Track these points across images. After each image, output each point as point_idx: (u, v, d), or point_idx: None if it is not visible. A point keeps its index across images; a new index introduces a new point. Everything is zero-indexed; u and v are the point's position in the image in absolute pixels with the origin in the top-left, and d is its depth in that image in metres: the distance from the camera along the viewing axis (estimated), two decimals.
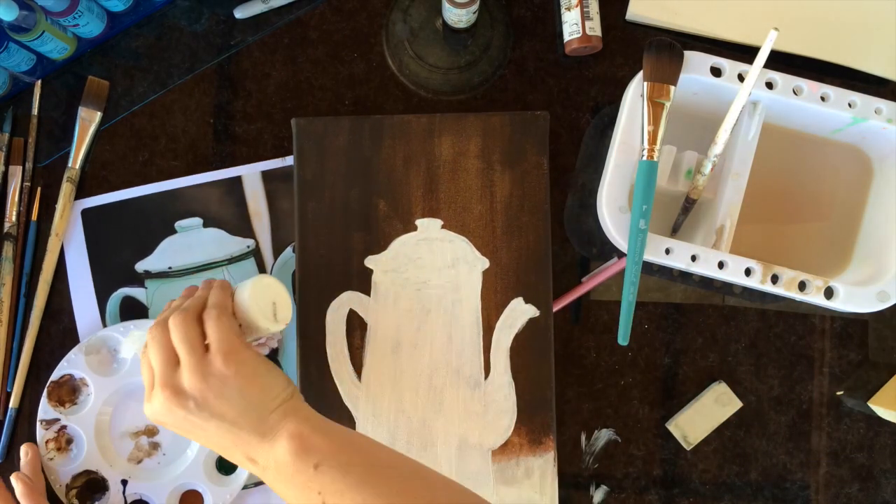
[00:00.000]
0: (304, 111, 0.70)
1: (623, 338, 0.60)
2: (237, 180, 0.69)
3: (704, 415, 0.68)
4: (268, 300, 0.56)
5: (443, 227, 0.67)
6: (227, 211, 0.69)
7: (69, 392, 0.66)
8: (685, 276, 0.69)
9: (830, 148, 0.68)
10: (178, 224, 0.69)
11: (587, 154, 0.70)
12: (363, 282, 0.66)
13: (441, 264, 0.66)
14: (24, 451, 0.64)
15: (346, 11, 0.71)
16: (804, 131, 0.66)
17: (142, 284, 0.69)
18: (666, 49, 0.61)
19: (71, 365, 0.66)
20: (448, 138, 0.67)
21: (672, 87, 0.61)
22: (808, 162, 0.69)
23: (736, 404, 0.68)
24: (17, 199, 0.68)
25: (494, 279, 0.66)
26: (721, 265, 0.61)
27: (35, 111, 0.69)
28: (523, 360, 0.66)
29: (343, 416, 0.65)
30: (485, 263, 0.66)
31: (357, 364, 0.66)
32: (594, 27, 0.68)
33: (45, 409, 0.65)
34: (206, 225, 0.69)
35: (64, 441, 0.66)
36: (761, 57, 0.57)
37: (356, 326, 0.66)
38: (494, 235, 0.67)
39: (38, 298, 0.67)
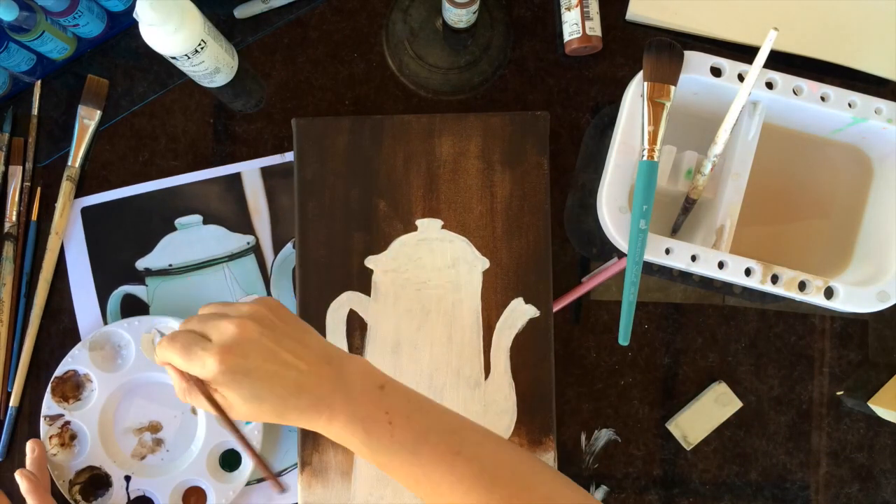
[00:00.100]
0: (304, 111, 0.70)
1: (623, 338, 0.60)
2: (237, 177, 0.69)
3: (704, 415, 0.68)
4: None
5: (443, 227, 0.67)
6: (226, 208, 0.69)
7: (73, 388, 0.66)
8: (685, 276, 0.69)
9: (830, 148, 0.68)
10: (178, 221, 0.69)
11: (587, 154, 0.70)
12: (363, 282, 0.66)
13: (441, 264, 0.66)
14: (31, 447, 0.64)
15: (346, 11, 0.71)
16: (804, 131, 0.66)
17: (142, 282, 0.69)
18: (666, 49, 0.61)
19: (75, 360, 0.66)
20: (448, 138, 0.67)
21: (672, 87, 0.60)
22: (808, 162, 0.69)
23: (736, 404, 0.68)
24: (17, 198, 0.68)
25: (494, 279, 0.66)
26: (721, 265, 0.61)
27: (35, 111, 0.69)
28: (523, 360, 0.66)
29: None
30: (485, 263, 0.66)
31: None
32: (594, 27, 0.68)
33: (48, 405, 0.66)
34: (206, 222, 0.69)
35: (67, 437, 0.66)
36: (761, 57, 0.57)
37: (356, 326, 0.66)
38: (494, 235, 0.67)
39: (38, 297, 0.68)
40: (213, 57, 0.64)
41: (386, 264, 0.66)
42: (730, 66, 0.62)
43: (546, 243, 0.67)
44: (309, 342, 0.50)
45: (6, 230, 0.68)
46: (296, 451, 0.66)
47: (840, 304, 0.61)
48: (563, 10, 0.69)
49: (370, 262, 0.66)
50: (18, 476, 0.62)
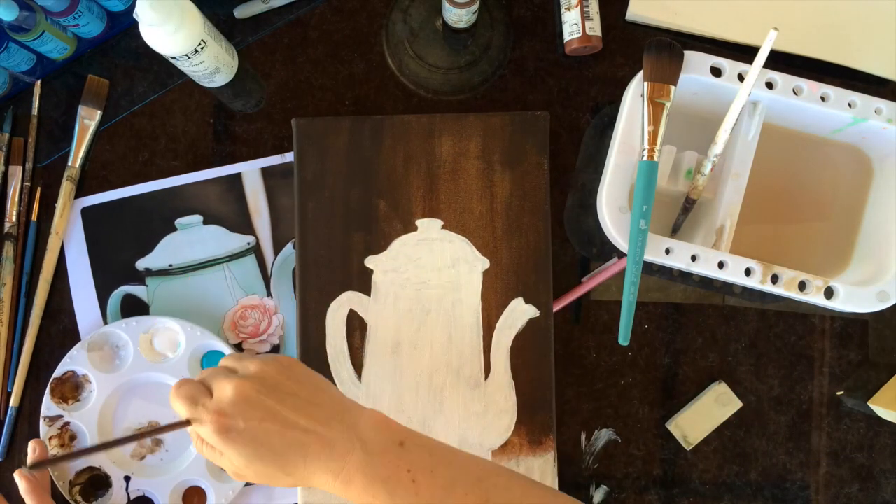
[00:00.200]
0: (304, 111, 0.70)
1: (623, 338, 0.60)
2: (237, 177, 0.69)
3: (704, 415, 0.68)
4: None
5: (443, 227, 0.67)
6: (227, 208, 0.69)
7: (72, 389, 0.66)
8: (685, 276, 0.69)
9: (830, 148, 0.68)
10: (179, 221, 0.69)
11: (587, 154, 0.70)
12: (363, 282, 0.66)
13: (441, 264, 0.66)
14: (32, 447, 0.64)
15: (346, 11, 0.71)
16: (804, 131, 0.66)
17: (142, 282, 0.69)
18: (666, 49, 0.61)
19: (74, 361, 0.66)
20: (448, 138, 0.67)
21: (672, 87, 0.60)
22: (808, 162, 0.69)
23: (736, 404, 0.68)
24: (17, 198, 0.68)
25: (494, 279, 0.66)
26: (721, 265, 0.61)
27: (35, 111, 0.69)
28: (523, 360, 0.66)
29: None
30: (485, 263, 0.66)
31: (357, 364, 0.66)
32: (594, 27, 0.68)
33: (48, 406, 0.66)
34: (206, 222, 0.69)
35: (67, 437, 0.66)
36: (761, 57, 0.57)
37: (356, 326, 0.66)
38: (494, 235, 0.67)
39: (38, 297, 0.68)
40: (213, 57, 0.64)
41: (386, 264, 0.66)
42: (730, 66, 0.62)
43: (546, 243, 0.67)
44: (320, 401, 0.48)
45: (6, 230, 0.68)
46: None
47: (840, 304, 0.61)
48: (563, 10, 0.69)
49: (370, 262, 0.66)
50: (17, 476, 0.62)
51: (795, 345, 0.70)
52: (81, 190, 0.69)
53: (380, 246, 0.66)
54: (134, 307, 0.69)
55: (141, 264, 0.69)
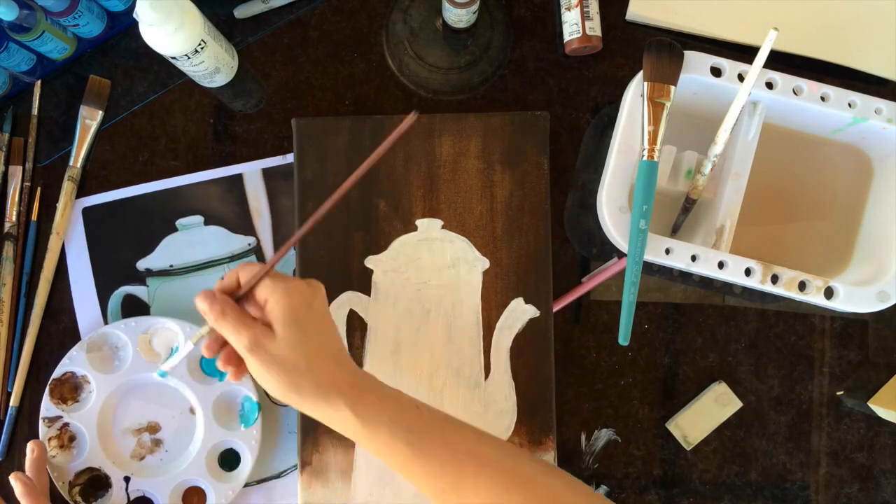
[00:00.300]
0: (304, 111, 0.70)
1: (623, 338, 0.60)
2: (238, 178, 0.69)
3: (704, 415, 0.68)
4: None
5: (443, 227, 0.67)
6: (228, 208, 0.69)
7: (71, 389, 0.66)
8: (685, 276, 0.69)
9: (830, 148, 0.68)
10: (180, 222, 0.69)
11: (587, 154, 0.70)
12: (363, 282, 0.66)
13: (441, 264, 0.66)
14: (31, 447, 0.64)
15: (346, 11, 0.71)
16: (804, 131, 0.66)
17: (143, 282, 0.69)
18: (666, 49, 0.61)
19: (73, 362, 0.66)
20: (448, 138, 0.67)
21: (672, 87, 0.60)
22: (808, 162, 0.69)
23: (736, 404, 0.68)
24: (17, 198, 0.68)
25: (494, 279, 0.66)
26: (721, 265, 0.61)
27: (35, 111, 0.69)
28: (523, 360, 0.66)
29: None
30: (485, 264, 0.66)
31: (357, 364, 0.65)
32: (594, 27, 0.68)
33: (47, 407, 0.66)
34: (207, 223, 0.69)
35: (66, 438, 0.66)
36: (761, 57, 0.57)
37: (356, 326, 0.66)
38: (494, 236, 0.67)
39: (38, 297, 0.68)
40: (213, 57, 0.64)
41: (386, 264, 0.66)
42: (730, 66, 0.62)
43: (546, 243, 0.67)
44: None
45: (6, 230, 0.68)
46: (296, 452, 0.65)
47: (840, 304, 0.61)
48: (563, 10, 0.69)
49: (370, 262, 0.66)
50: (13, 479, 0.62)
51: (795, 345, 0.70)
52: (82, 190, 0.69)
53: (380, 246, 0.66)
54: (134, 307, 0.69)
55: (142, 265, 0.69)
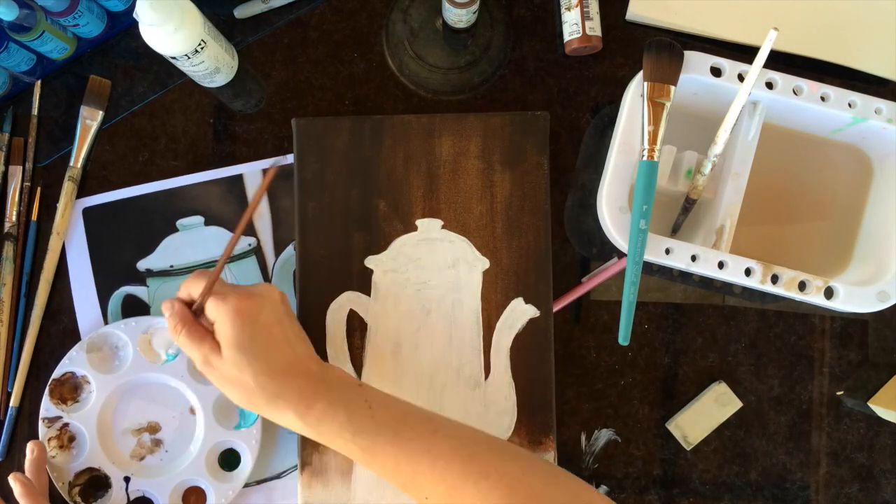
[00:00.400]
0: (304, 111, 0.70)
1: (623, 338, 0.60)
2: (238, 178, 0.69)
3: (704, 415, 0.68)
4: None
5: (443, 227, 0.67)
6: (228, 209, 0.69)
7: (71, 390, 0.66)
8: (685, 276, 0.69)
9: (830, 148, 0.68)
10: (180, 222, 0.69)
11: (587, 154, 0.70)
12: (363, 282, 0.66)
13: (441, 264, 0.66)
14: (31, 448, 0.64)
15: (346, 11, 0.71)
16: (804, 131, 0.66)
17: (143, 283, 0.69)
18: (666, 49, 0.61)
19: (72, 362, 0.66)
20: (448, 138, 0.67)
21: (672, 87, 0.60)
22: (808, 162, 0.69)
23: (736, 404, 0.68)
24: (17, 199, 0.68)
25: (495, 279, 0.66)
26: (721, 265, 0.61)
27: (35, 111, 0.69)
28: (523, 360, 0.66)
29: None
30: (485, 264, 0.66)
31: (357, 364, 0.66)
32: (594, 27, 0.68)
33: (47, 407, 0.66)
34: (207, 223, 0.69)
35: (66, 439, 0.66)
36: (761, 57, 0.57)
37: (356, 327, 0.66)
38: (494, 236, 0.67)
39: (38, 298, 0.68)
40: (213, 57, 0.64)
41: (386, 264, 0.66)
42: (730, 66, 0.62)
43: (546, 243, 0.67)
44: (297, 348, 0.57)
45: (6, 230, 0.68)
46: (296, 452, 0.65)
47: (840, 304, 0.61)
48: (563, 10, 0.69)
49: (370, 262, 0.66)
50: (12, 480, 0.62)
51: (795, 345, 0.70)
52: (82, 190, 0.69)
53: (380, 246, 0.67)
54: (135, 308, 0.69)
55: (142, 265, 0.69)
